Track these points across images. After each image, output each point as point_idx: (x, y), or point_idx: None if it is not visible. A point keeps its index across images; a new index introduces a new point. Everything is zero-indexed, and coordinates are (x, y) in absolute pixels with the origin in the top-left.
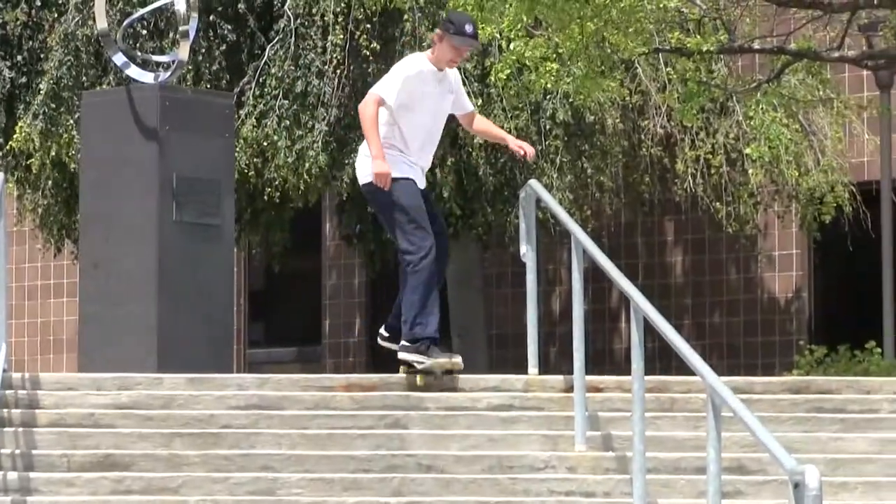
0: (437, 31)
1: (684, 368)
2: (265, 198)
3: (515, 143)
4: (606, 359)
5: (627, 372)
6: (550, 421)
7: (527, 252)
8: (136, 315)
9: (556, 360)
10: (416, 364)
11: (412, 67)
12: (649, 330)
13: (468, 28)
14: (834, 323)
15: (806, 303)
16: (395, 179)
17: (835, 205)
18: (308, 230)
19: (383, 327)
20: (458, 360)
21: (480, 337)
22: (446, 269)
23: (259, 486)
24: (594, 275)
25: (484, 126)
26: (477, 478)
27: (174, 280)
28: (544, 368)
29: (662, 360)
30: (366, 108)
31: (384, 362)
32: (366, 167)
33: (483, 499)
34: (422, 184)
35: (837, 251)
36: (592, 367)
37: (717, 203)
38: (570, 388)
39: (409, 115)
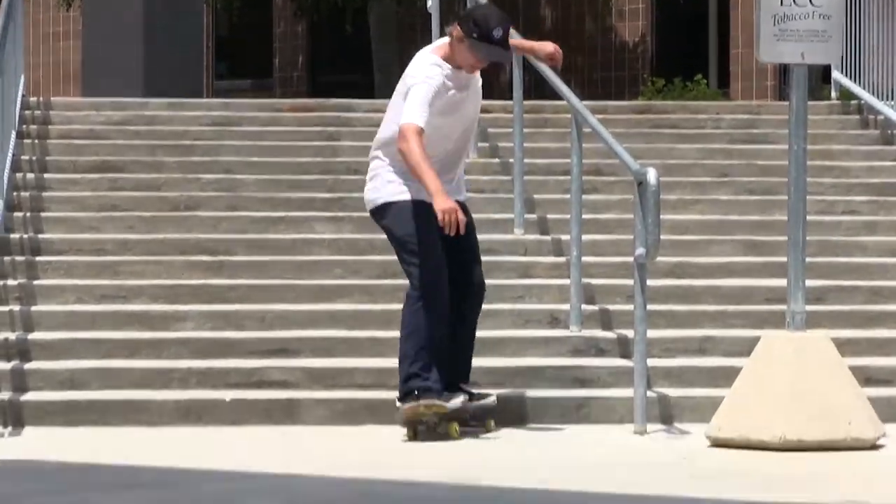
0: (457, 28)
1: (554, 95)
2: None
3: (546, 54)
4: (494, 89)
5: (511, 98)
6: None
7: (431, 5)
8: (128, 53)
9: None
10: (438, 409)
11: (434, 80)
12: (527, 65)
13: (496, 34)
14: (670, 61)
15: (649, 46)
16: (394, 203)
17: None
18: None
19: None
20: (490, 401)
21: (396, 73)
22: (472, 324)
23: (223, 184)
24: None
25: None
26: None
27: (158, 27)
28: None
29: (538, 89)
30: (409, 144)
31: (321, 91)
32: (377, 190)
33: None
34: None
35: (672, 5)
36: (483, 94)
37: None
38: None
39: (432, 132)
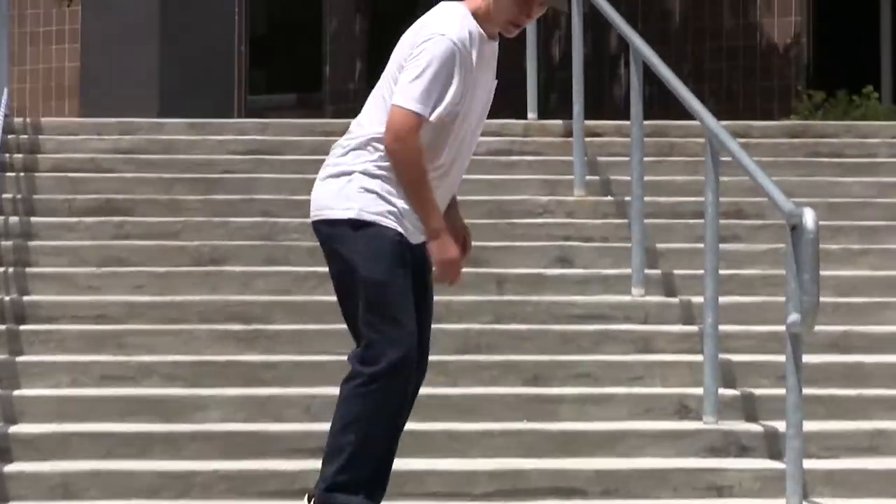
0: None
1: (683, 113)
2: None
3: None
4: (606, 104)
5: (626, 117)
6: (549, 165)
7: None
8: (138, 59)
9: (555, 105)
10: None
11: (460, 41)
12: (648, 74)
13: None
14: (832, 68)
15: (804, 48)
16: (370, 226)
17: None
18: None
19: None
20: None
21: None
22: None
23: (259, 230)
24: (594, 20)
25: None
26: (476, 222)
27: (175, 24)
28: (543, 114)
29: (661, 104)
30: (407, 147)
31: None
32: (344, 197)
33: (481, 243)
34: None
35: None
36: (591, 112)
37: None
38: (569, 133)
39: (441, 128)
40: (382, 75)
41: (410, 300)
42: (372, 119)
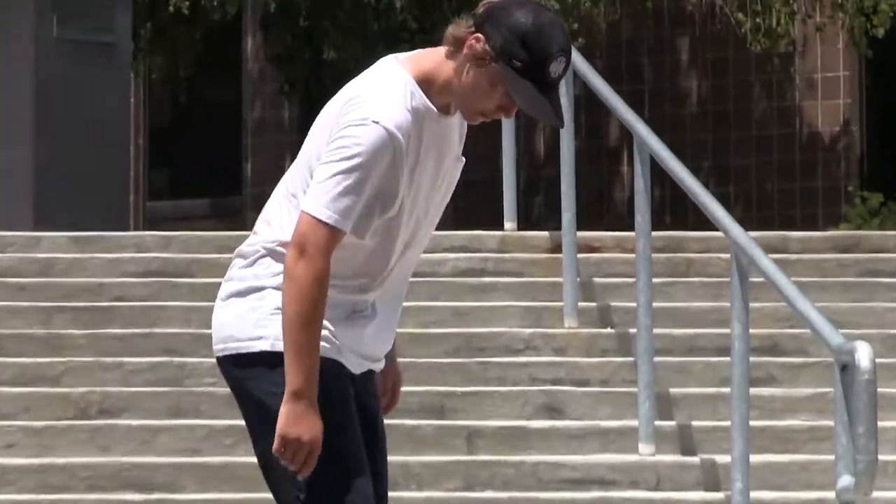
0: (478, 38)
1: (703, 222)
2: (171, 9)
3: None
4: (604, 210)
5: (630, 227)
6: (532, 289)
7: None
8: (7, 160)
9: (539, 213)
10: None
11: (396, 129)
12: (658, 172)
13: (555, 68)
14: (891, 164)
15: (856, 138)
16: None
17: (891, 14)
18: (225, 50)
19: None
20: None
21: None
22: None
23: (161, 374)
24: (587, 103)
25: None
26: (439, 362)
27: (54, 116)
28: (525, 223)
29: (675, 211)
30: (308, 266)
31: None
32: (254, 322)
33: (446, 388)
34: (373, 363)
35: (895, 73)
36: (586, 221)
37: (741, 14)
38: (557, 248)
39: (382, 228)
40: (300, 155)
41: (362, 449)
42: (283, 219)
